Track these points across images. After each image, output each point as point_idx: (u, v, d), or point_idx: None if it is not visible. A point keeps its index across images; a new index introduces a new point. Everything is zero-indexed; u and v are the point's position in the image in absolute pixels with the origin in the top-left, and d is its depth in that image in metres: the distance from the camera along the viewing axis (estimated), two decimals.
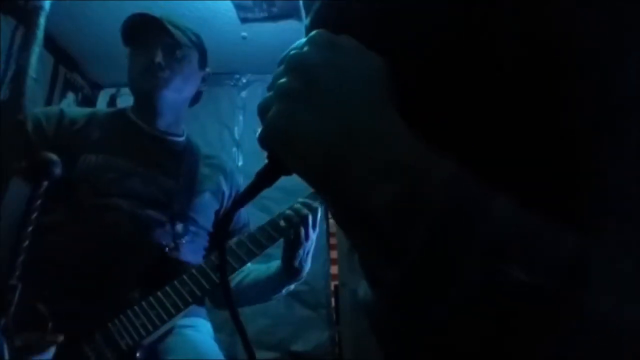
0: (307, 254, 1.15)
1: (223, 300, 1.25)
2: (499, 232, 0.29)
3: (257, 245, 1.07)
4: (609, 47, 0.32)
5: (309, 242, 1.13)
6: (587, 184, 0.31)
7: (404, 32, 0.37)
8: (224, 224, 0.45)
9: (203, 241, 1.23)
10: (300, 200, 1.13)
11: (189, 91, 1.27)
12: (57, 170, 0.62)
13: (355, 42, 0.36)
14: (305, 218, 1.10)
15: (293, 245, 1.12)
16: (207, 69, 1.33)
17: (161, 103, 1.21)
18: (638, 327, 0.26)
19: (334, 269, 2.27)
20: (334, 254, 2.29)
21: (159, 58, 1.17)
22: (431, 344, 0.33)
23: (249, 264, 1.12)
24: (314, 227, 1.13)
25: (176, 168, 1.22)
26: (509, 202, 0.30)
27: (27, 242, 0.60)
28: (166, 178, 1.18)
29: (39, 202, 0.60)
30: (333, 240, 2.32)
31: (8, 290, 0.57)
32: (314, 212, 1.11)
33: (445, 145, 0.32)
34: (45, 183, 0.61)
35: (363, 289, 0.43)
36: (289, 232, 1.10)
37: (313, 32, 0.37)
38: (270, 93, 0.37)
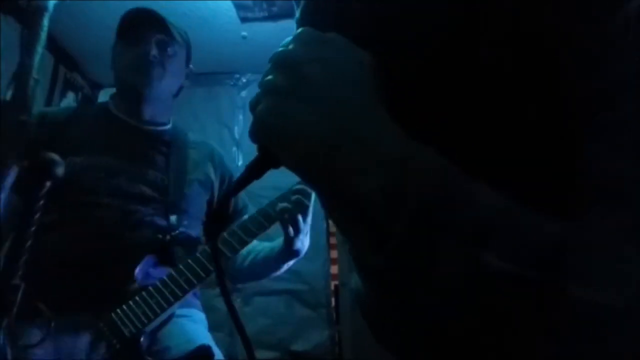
0: (306, 234, 1.21)
1: (242, 274, 1.32)
2: (480, 221, 0.30)
3: (248, 234, 1.13)
4: (603, 47, 0.33)
5: (307, 225, 1.19)
6: (578, 176, 0.32)
7: (402, 32, 0.38)
8: (217, 215, 0.45)
9: (196, 231, 1.25)
10: (298, 187, 1.17)
11: (175, 87, 1.31)
12: (60, 170, 0.62)
13: (342, 39, 0.37)
14: (303, 206, 1.15)
15: (293, 232, 1.17)
16: (191, 66, 1.36)
17: (149, 97, 1.23)
18: (621, 313, 0.26)
19: (334, 269, 2.27)
20: (334, 254, 2.29)
21: (154, 52, 1.19)
22: (419, 330, 0.34)
23: (255, 242, 1.20)
24: (309, 213, 1.18)
25: (164, 159, 1.23)
26: (492, 192, 0.31)
27: (29, 242, 0.60)
28: (154, 172, 1.19)
29: (41, 202, 0.61)
30: (333, 240, 2.32)
31: (11, 290, 0.58)
32: (308, 197, 1.15)
33: (434, 138, 0.33)
34: (48, 183, 0.61)
35: (354, 280, 0.44)
36: (282, 219, 1.16)
37: (299, 30, 0.38)
38: (259, 90, 0.38)
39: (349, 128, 0.33)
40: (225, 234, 1.12)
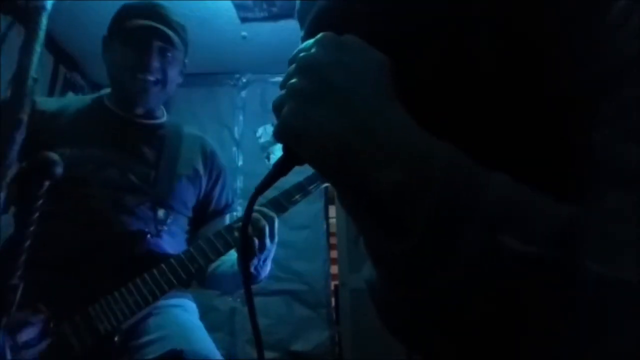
0: (264, 261, 1.11)
1: (208, 282, 1.25)
2: (495, 207, 0.31)
3: (214, 251, 1.09)
4: (601, 35, 0.34)
5: (265, 252, 1.08)
6: (586, 164, 0.33)
7: (409, 30, 0.39)
8: (247, 214, 0.46)
9: (181, 226, 1.24)
10: (257, 208, 1.09)
11: (173, 89, 1.29)
12: (59, 170, 0.62)
13: (359, 41, 0.39)
14: (262, 229, 1.05)
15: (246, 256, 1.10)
16: (186, 60, 1.33)
17: (146, 100, 1.22)
18: (633, 288, 0.27)
19: (334, 269, 2.27)
20: (334, 254, 2.30)
21: (155, 62, 1.18)
22: (434, 317, 0.35)
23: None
24: (271, 237, 1.08)
25: (156, 152, 1.22)
26: (505, 179, 0.32)
27: (28, 242, 0.60)
28: (144, 166, 1.19)
29: (40, 202, 0.61)
30: (333, 240, 2.32)
31: (9, 289, 0.57)
32: (270, 221, 1.07)
33: (449, 132, 0.35)
34: (47, 183, 0.61)
35: (368, 270, 0.46)
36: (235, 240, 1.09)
37: (320, 35, 0.40)
38: (283, 92, 0.40)
39: (368, 126, 0.35)
40: (183, 256, 1.08)
